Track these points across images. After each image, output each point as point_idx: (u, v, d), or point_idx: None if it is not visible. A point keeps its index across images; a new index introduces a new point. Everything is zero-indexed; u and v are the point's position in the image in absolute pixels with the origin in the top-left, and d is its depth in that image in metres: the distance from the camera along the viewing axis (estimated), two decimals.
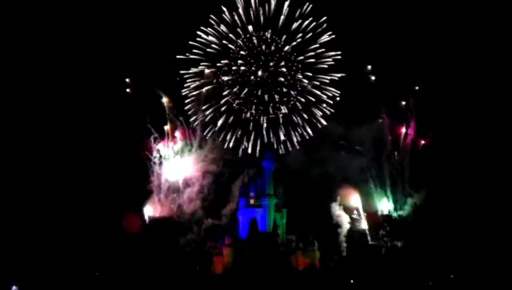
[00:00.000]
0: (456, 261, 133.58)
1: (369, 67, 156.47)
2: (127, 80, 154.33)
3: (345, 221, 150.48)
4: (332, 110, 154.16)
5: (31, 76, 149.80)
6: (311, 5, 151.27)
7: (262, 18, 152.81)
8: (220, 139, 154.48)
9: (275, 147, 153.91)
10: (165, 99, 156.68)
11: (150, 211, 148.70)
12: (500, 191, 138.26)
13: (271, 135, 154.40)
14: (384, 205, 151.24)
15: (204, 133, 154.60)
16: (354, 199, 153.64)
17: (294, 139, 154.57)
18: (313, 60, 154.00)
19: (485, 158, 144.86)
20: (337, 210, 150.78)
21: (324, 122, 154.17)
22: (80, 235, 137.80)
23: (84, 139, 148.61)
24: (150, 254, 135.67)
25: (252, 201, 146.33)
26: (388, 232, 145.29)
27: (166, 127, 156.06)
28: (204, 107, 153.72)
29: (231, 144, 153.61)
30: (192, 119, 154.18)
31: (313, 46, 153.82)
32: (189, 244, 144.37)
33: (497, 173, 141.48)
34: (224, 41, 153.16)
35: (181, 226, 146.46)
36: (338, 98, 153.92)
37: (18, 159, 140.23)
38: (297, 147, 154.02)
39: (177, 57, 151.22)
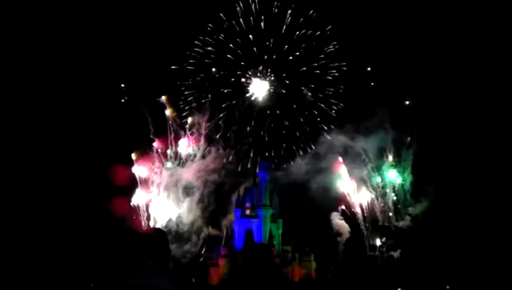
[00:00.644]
0: (452, 272, 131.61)
1: (369, 69, 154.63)
2: (122, 85, 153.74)
3: (345, 231, 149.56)
4: (336, 123, 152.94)
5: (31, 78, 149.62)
6: (315, 14, 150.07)
7: (263, 26, 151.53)
8: (222, 149, 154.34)
9: (276, 161, 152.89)
10: (168, 110, 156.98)
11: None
12: (500, 202, 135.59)
13: (271, 150, 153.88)
14: (385, 215, 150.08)
15: (207, 144, 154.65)
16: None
17: (296, 154, 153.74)
18: (317, 71, 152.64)
19: (489, 170, 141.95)
20: (336, 219, 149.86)
21: (328, 137, 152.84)
22: (75, 244, 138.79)
23: (83, 146, 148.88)
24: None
25: (247, 212, 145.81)
26: (384, 243, 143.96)
27: (169, 137, 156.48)
28: (204, 118, 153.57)
29: (230, 158, 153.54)
30: (192, 130, 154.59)
31: (317, 57, 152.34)
32: (186, 255, 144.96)
33: (498, 184, 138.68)
34: (222, 51, 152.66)
35: (180, 236, 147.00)
36: (342, 110, 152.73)
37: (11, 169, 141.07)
38: (299, 161, 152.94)
39: (173, 67, 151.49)
